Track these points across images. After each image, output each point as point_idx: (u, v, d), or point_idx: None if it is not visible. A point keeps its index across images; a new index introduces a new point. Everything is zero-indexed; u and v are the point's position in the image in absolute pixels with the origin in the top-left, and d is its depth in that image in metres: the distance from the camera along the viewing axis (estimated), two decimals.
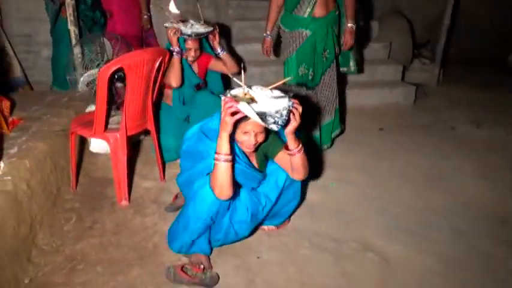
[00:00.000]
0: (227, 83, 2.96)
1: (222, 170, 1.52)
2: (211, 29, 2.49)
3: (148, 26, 3.72)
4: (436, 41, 4.47)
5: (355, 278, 1.81)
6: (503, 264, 1.89)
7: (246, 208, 1.75)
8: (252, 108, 1.40)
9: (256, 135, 1.61)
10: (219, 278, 1.80)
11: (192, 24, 2.49)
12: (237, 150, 1.69)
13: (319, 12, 2.50)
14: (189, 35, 2.43)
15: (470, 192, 2.45)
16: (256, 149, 1.72)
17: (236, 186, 1.66)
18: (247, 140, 1.62)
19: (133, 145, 2.88)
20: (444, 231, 2.11)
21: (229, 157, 1.52)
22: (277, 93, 1.53)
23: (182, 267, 1.80)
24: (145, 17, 3.63)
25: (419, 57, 4.62)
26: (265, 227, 2.09)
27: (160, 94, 2.66)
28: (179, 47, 2.46)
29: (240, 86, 1.52)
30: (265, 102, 1.46)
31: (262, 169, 1.86)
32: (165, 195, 2.43)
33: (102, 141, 2.77)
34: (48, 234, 2.08)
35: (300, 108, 1.49)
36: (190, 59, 2.58)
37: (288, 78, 1.71)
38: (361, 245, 2.01)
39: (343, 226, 2.15)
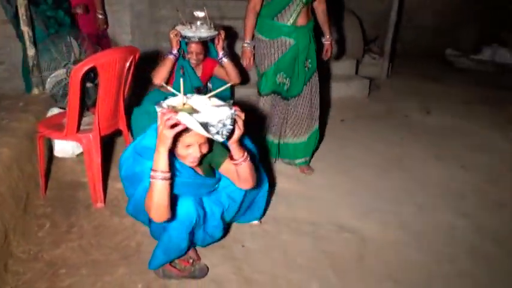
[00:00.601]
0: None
1: (159, 189, 1.38)
2: (215, 33, 2.42)
3: (104, 26, 3.65)
4: (383, 37, 4.78)
5: (335, 256, 1.94)
6: (462, 232, 2.11)
7: (213, 214, 1.71)
8: (194, 119, 1.29)
9: (200, 146, 1.50)
10: (208, 269, 1.84)
11: (197, 27, 2.43)
12: (178, 166, 1.56)
13: (301, 20, 2.39)
14: (189, 38, 2.38)
15: (426, 171, 2.68)
16: (200, 162, 1.61)
17: (196, 197, 1.63)
18: (192, 153, 1.50)
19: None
20: (408, 207, 2.30)
21: (168, 175, 1.39)
22: (217, 101, 1.45)
23: (171, 263, 1.82)
24: (101, 17, 3.56)
25: (369, 53, 4.91)
26: (249, 223, 2.12)
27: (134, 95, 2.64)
28: (178, 49, 2.43)
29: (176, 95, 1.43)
30: (206, 111, 1.36)
31: (210, 175, 1.74)
32: None
33: (67, 145, 2.73)
34: (23, 242, 2.00)
35: (243, 116, 1.40)
36: (192, 62, 2.53)
37: (227, 85, 1.56)
38: (337, 226, 2.15)
39: (317, 211, 2.28)
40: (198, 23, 2.46)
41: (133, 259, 1.92)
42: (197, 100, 1.42)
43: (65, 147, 2.74)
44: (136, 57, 2.28)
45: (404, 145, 3.05)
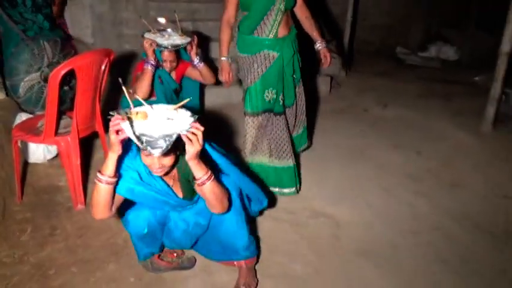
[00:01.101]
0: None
1: (101, 191, 1.41)
2: (188, 40, 2.42)
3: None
4: (340, 37, 5.05)
5: (313, 239, 2.10)
6: (422, 209, 2.36)
7: (176, 228, 1.71)
8: (133, 129, 1.26)
9: (158, 158, 1.40)
10: (195, 259, 1.94)
11: (169, 35, 2.42)
12: (151, 177, 1.55)
13: (282, 31, 2.25)
14: (166, 47, 2.35)
15: (387, 159, 2.92)
16: (166, 173, 1.54)
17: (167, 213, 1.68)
18: (151, 164, 1.44)
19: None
20: (374, 191, 2.52)
21: (112, 180, 1.41)
22: (182, 114, 1.39)
23: (159, 256, 1.90)
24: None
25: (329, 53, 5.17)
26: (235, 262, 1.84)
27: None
28: (155, 58, 2.37)
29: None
30: (158, 123, 1.33)
31: (189, 196, 1.66)
32: None
33: (37, 150, 2.70)
34: (6, 247, 2.00)
35: (200, 133, 1.33)
36: (167, 69, 2.53)
37: (187, 100, 1.42)
38: (313, 212, 2.32)
39: (293, 200, 2.44)
40: (169, 30, 2.47)
41: (122, 255, 1.98)
42: (160, 110, 1.40)
43: (36, 153, 2.72)
44: (111, 59, 2.33)
45: (366, 137, 3.28)
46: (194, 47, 2.49)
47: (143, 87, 2.36)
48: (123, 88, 1.39)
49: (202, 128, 1.35)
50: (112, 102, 2.85)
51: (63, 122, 2.34)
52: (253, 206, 1.91)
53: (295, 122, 2.54)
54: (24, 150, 2.68)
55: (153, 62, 2.36)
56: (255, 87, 2.29)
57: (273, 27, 2.22)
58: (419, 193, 2.51)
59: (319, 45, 2.38)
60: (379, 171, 2.75)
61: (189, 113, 1.39)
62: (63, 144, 2.20)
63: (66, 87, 2.28)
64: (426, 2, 6.17)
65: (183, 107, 1.41)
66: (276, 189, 2.44)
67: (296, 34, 2.34)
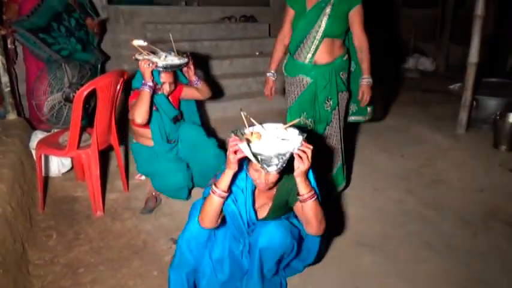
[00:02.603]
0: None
1: (213, 202, 1.55)
2: (185, 60, 2.35)
3: None
4: None
5: None
6: (409, 204, 2.63)
7: (223, 246, 1.74)
8: (250, 149, 1.38)
9: (266, 174, 1.53)
10: None
11: (165, 56, 2.33)
12: (248, 188, 1.65)
13: (322, 58, 2.25)
14: (165, 68, 2.26)
15: (377, 161, 3.21)
16: (270, 188, 1.63)
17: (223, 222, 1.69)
18: (258, 178, 1.56)
19: None
20: (366, 190, 2.79)
21: (225, 194, 1.54)
22: (291, 133, 1.50)
23: None
24: None
25: None
26: None
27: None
28: (153, 80, 2.26)
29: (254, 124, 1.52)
30: (271, 142, 1.44)
31: (270, 217, 1.73)
32: (134, 202, 2.67)
33: (52, 165, 2.90)
34: (36, 251, 2.19)
35: (309, 151, 1.42)
36: (166, 91, 2.39)
37: (298, 119, 1.57)
38: None
39: None
40: (160, 52, 2.37)
41: (144, 253, 2.19)
42: (271, 130, 1.51)
43: (51, 167, 2.92)
44: (125, 78, 2.57)
45: (356, 142, 3.58)
46: (192, 67, 2.45)
47: (142, 112, 2.21)
48: (242, 114, 1.48)
49: (311, 147, 1.43)
50: (123, 119, 3.07)
51: (82, 137, 2.56)
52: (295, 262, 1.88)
53: (340, 148, 2.48)
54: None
55: (151, 84, 2.23)
56: (293, 107, 2.38)
57: (309, 53, 2.24)
58: (406, 190, 2.79)
59: (361, 80, 2.34)
60: (370, 172, 3.03)
61: (297, 131, 1.49)
62: (84, 157, 2.41)
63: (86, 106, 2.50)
64: (403, 19, 6.62)
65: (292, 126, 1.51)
66: None
67: (342, 64, 2.31)
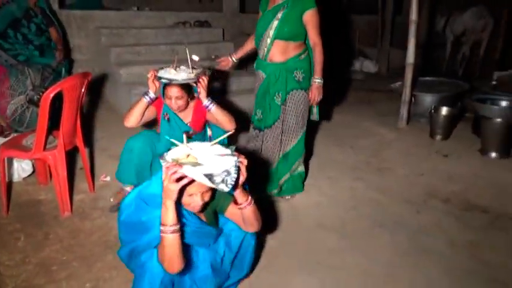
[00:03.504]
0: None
1: (170, 243, 1.38)
2: (192, 76, 2.14)
3: None
4: None
5: (277, 220, 2.55)
6: (359, 190, 2.91)
7: (205, 262, 1.68)
8: (199, 171, 1.29)
9: (202, 194, 1.48)
10: None
11: (180, 70, 2.19)
12: (184, 212, 1.54)
13: (275, 57, 2.45)
14: (169, 80, 2.12)
15: (330, 154, 3.49)
16: (203, 208, 1.59)
17: (191, 245, 1.63)
18: (194, 201, 1.48)
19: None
20: (322, 180, 3.04)
21: (177, 227, 1.38)
22: (220, 149, 1.46)
23: None
24: None
25: None
26: None
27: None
28: (155, 92, 2.21)
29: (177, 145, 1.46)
30: (210, 161, 1.36)
31: (213, 224, 1.73)
32: (101, 202, 2.71)
33: (13, 169, 2.86)
34: (5, 253, 2.19)
35: (245, 162, 1.42)
36: (172, 107, 2.25)
37: (228, 133, 1.59)
38: (273, 200, 2.77)
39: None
40: (182, 66, 2.23)
41: (117, 247, 2.23)
42: (200, 149, 1.44)
43: (11, 172, 2.87)
44: (89, 80, 2.62)
45: (311, 138, 3.83)
46: (203, 87, 2.18)
47: (131, 116, 2.22)
48: (184, 137, 1.45)
49: (246, 160, 1.43)
50: (88, 121, 3.08)
51: (47, 139, 2.57)
52: None
53: (280, 145, 2.62)
54: None
55: (152, 95, 2.18)
56: (255, 97, 2.63)
57: (265, 52, 2.47)
58: (356, 178, 3.08)
59: (314, 80, 2.49)
60: (324, 164, 3.30)
61: (222, 147, 1.45)
62: (51, 158, 2.44)
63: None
64: (349, 25, 7.09)
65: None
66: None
67: (295, 63, 2.46)
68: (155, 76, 2.17)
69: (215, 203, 1.67)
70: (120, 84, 4.13)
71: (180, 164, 1.30)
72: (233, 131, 2.18)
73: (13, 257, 2.17)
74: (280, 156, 2.66)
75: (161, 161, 1.34)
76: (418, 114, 4.03)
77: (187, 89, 2.24)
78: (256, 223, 1.63)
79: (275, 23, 2.40)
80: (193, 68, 2.22)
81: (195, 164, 1.32)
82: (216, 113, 2.24)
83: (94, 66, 4.55)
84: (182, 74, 2.15)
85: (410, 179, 3.06)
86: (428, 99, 3.97)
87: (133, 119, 2.24)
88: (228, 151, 1.43)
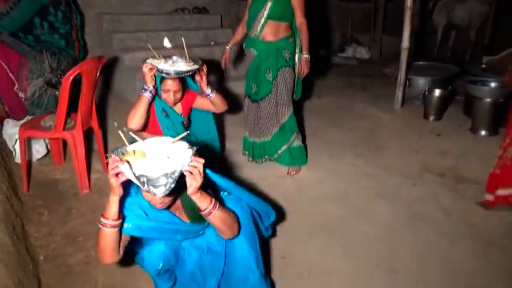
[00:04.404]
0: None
1: (107, 237, 1.34)
2: (195, 67, 2.09)
3: None
4: None
5: (283, 193, 2.72)
6: (359, 165, 3.10)
7: (189, 256, 1.65)
8: (132, 171, 1.20)
9: (161, 199, 1.38)
10: None
11: (173, 61, 2.10)
12: (154, 209, 1.48)
13: (267, 36, 2.70)
14: (168, 73, 2.02)
15: (330, 135, 3.65)
16: (169, 205, 1.49)
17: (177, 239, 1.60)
18: (152, 199, 1.40)
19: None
20: (324, 157, 3.22)
21: (117, 223, 1.34)
22: (180, 147, 1.33)
23: None
24: None
25: None
26: None
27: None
28: (154, 86, 2.07)
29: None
30: (157, 161, 1.27)
31: (197, 222, 1.57)
32: None
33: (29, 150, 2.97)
34: (32, 226, 2.33)
35: (200, 166, 1.28)
36: (169, 101, 2.18)
37: (184, 134, 1.39)
38: (280, 177, 2.94)
39: (264, 169, 3.03)
40: (174, 57, 2.14)
41: None
42: (158, 147, 1.34)
43: (29, 152, 2.98)
44: (103, 63, 2.73)
45: (310, 120, 4.00)
46: (204, 77, 2.18)
47: (136, 117, 2.06)
48: (120, 132, 1.34)
49: (202, 160, 1.29)
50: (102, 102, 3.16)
51: (50, 118, 2.66)
52: (264, 221, 1.85)
53: (276, 116, 2.84)
54: (14, 153, 2.94)
55: (151, 89, 2.05)
56: (247, 72, 2.87)
57: (258, 31, 2.71)
58: (356, 155, 3.27)
59: (302, 55, 2.76)
60: (325, 144, 3.47)
61: (186, 145, 1.33)
62: (70, 137, 2.56)
63: (57, 92, 2.60)
64: (340, 13, 7.23)
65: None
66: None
67: (284, 44, 2.72)
68: (157, 69, 2.02)
69: (192, 202, 1.43)
70: (124, 70, 4.22)
71: (122, 159, 1.23)
72: (225, 110, 2.35)
73: (40, 229, 2.31)
74: (277, 128, 2.89)
75: (107, 155, 1.29)
76: (413, 97, 4.23)
77: (184, 81, 2.20)
78: (226, 228, 1.47)
79: (269, 4, 2.66)
80: (190, 58, 2.14)
81: (130, 162, 1.22)
82: (215, 98, 2.26)
83: (96, 52, 4.62)
84: (180, 65, 2.07)
85: (407, 156, 3.26)
86: (422, 82, 4.16)
87: (137, 120, 2.07)
88: (185, 151, 1.30)
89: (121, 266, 2.04)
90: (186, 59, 2.14)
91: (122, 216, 1.37)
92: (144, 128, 2.18)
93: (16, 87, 2.62)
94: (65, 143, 3.11)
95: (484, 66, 4.17)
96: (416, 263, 2.10)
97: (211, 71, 2.33)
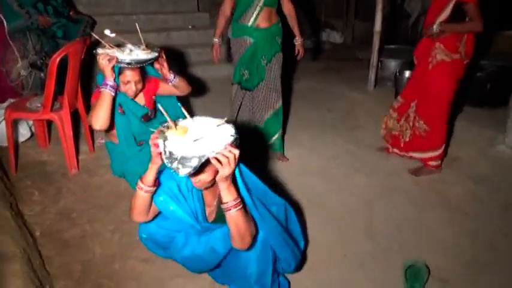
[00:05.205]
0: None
1: (140, 199, 1.49)
2: (155, 54, 2.02)
3: None
4: None
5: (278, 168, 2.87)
6: (339, 143, 3.29)
7: (185, 243, 1.63)
8: (164, 148, 1.24)
9: (198, 175, 1.38)
10: None
11: (130, 50, 2.00)
12: (193, 193, 1.54)
13: (262, 23, 2.71)
14: (129, 63, 1.93)
15: (310, 116, 3.82)
16: (208, 187, 1.50)
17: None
18: (193, 179, 1.42)
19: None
20: (305, 137, 3.38)
21: (151, 189, 1.46)
22: (223, 132, 1.33)
23: None
24: None
25: None
26: None
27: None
28: (114, 79, 1.97)
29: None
30: (193, 142, 1.28)
31: (220, 221, 1.56)
32: (104, 160, 2.87)
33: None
34: (25, 205, 2.37)
35: (231, 156, 1.26)
36: (130, 93, 2.08)
37: (224, 120, 1.37)
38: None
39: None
40: (129, 45, 2.04)
41: (129, 197, 2.45)
42: (204, 126, 1.37)
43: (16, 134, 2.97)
44: (88, 45, 2.74)
45: (289, 103, 4.12)
46: (165, 64, 2.12)
47: (101, 117, 1.95)
48: (162, 111, 1.40)
49: (236, 151, 1.27)
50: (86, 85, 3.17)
51: (36, 100, 2.68)
52: (278, 265, 1.72)
53: (270, 101, 2.90)
54: None
55: (112, 83, 1.94)
56: (238, 64, 2.85)
57: (252, 19, 2.71)
58: (334, 134, 3.45)
59: (296, 41, 2.88)
60: (306, 125, 3.63)
61: (231, 131, 1.32)
62: (58, 118, 2.59)
63: (42, 74, 2.61)
64: None
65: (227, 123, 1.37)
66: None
67: (277, 29, 2.78)
68: (116, 60, 1.91)
69: None
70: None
71: (158, 132, 1.32)
72: (188, 92, 2.30)
73: (32, 208, 2.35)
74: (271, 114, 2.94)
75: (160, 128, 1.34)
76: (385, 78, 4.45)
77: (143, 69, 2.11)
78: (238, 238, 1.40)
79: None
80: (146, 47, 2.07)
81: (166, 137, 1.28)
82: (177, 83, 2.21)
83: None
84: (138, 53, 1.99)
85: (381, 134, 3.46)
86: (393, 64, 4.38)
87: (102, 120, 1.96)
88: (224, 137, 1.30)
89: (117, 238, 2.15)
90: (142, 47, 2.05)
91: (157, 183, 1.50)
92: (112, 126, 2.08)
93: (2, 67, 2.61)
94: (49, 125, 3.14)
95: None
96: (392, 228, 2.31)
97: (170, 57, 2.26)
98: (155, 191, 1.51)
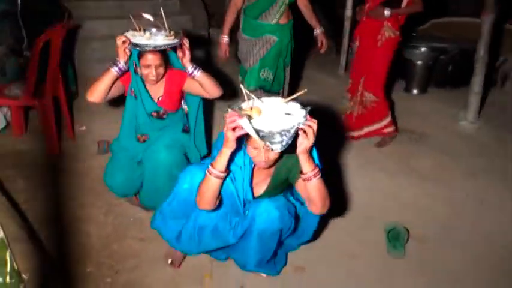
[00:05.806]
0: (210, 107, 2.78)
1: (211, 184, 1.44)
2: (175, 41, 1.85)
3: None
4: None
5: None
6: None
7: (210, 218, 1.65)
8: (252, 125, 1.23)
9: (266, 152, 1.40)
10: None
11: (151, 33, 1.90)
12: (247, 165, 1.54)
13: (283, 20, 2.70)
14: (143, 47, 1.80)
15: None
16: (276, 169, 1.56)
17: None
18: (257, 156, 1.43)
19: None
20: None
21: (223, 175, 1.43)
22: (293, 106, 1.37)
23: None
24: None
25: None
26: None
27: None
28: (126, 62, 1.88)
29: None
30: (274, 118, 1.30)
31: (266, 195, 1.62)
32: (85, 147, 2.87)
33: None
34: (12, 193, 2.31)
35: (314, 126, 1.31)
36: (151, 79, 1.93)
37: (303, 91, 1.38)
38: None
39: None
40: (153, 29, 1.94)
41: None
42: (272, 104, 1.38)
43: None
44: (66, 28, 2.69)
45: None
46: (187, 53, 1.88)
47: (96, 91, 1.89)
48: (242, 87, 1.39)
49: (316, 121, 1.32)
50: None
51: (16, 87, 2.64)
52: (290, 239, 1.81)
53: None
54: None
55: (121, 65, 1.87)
56: (256, 67, 2.73)
57: (276, 16, 2.66)
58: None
59: (317, 32, 2.84)
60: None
61: (298, 105, 1.36)
62: (39, 104, 2.56)
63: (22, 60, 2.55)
64: None
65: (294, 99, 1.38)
66: None
67: (292, 24, 2.78)
68: (129, 43, 1.82)
69: (289, 169, 1.55)
70: (81, 40, 4.07)
71: (240, 114, 1.27)
72: (219, 95, 2.02)
73: (19, 196, 2.32)
74: None
75: (227, 108, 1.33)
76: None
77: (165, 54, 1.96)
78: (320, 201, 1.47)
79: None
80: (171, 32, 1.90)
81: (257, 116, 1.30)
82: (201, 79, 1.93)
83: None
84: (159, 38, 1.87)
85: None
86: None
87: (97, 94, 1.90)
88: (299, 111, 1.35)
89: (111, 220, 2.19)
90: (165, 32, 1.90)
91: (228, 170, 1.47)
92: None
93: None
94: (26, 113, 3.07)
95: (414, 34, 4.68)
96: (367, 198, 2.49)
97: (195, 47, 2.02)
98: (225, 178, 1.47)
